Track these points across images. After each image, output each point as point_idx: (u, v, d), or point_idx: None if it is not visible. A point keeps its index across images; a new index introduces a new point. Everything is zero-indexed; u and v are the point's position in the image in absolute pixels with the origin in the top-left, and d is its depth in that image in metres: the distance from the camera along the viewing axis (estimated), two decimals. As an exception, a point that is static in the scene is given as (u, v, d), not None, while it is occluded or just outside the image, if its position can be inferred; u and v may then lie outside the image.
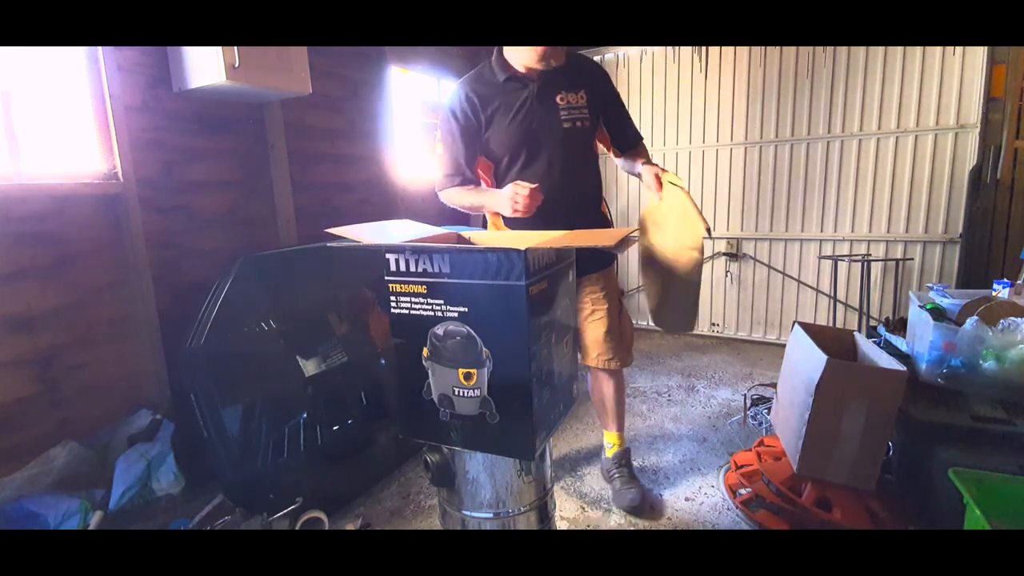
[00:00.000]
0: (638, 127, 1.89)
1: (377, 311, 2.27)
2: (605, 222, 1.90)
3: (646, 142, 1.90)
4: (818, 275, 3.64)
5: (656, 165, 1.68)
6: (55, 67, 1.85)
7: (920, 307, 2.02)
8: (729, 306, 3.97)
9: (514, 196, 1.54)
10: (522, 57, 1.64)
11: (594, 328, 1.89)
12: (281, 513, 1.66)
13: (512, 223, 1.72)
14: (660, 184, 1.60)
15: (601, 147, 1.88)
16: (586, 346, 1.92)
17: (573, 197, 1.74)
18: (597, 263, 1.86)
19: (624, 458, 2.05)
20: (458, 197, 1.75)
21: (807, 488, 1.75)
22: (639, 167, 1.73)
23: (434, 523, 1.87)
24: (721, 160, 3.80)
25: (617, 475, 2.00)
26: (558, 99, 1.69)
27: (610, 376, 1.96)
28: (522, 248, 1.01)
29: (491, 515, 1.25)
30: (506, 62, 1.68)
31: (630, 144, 1.85)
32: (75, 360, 1.88)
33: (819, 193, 3.54)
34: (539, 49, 1.59)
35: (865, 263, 3.32)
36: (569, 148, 1.72)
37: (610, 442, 2.08)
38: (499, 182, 1.76)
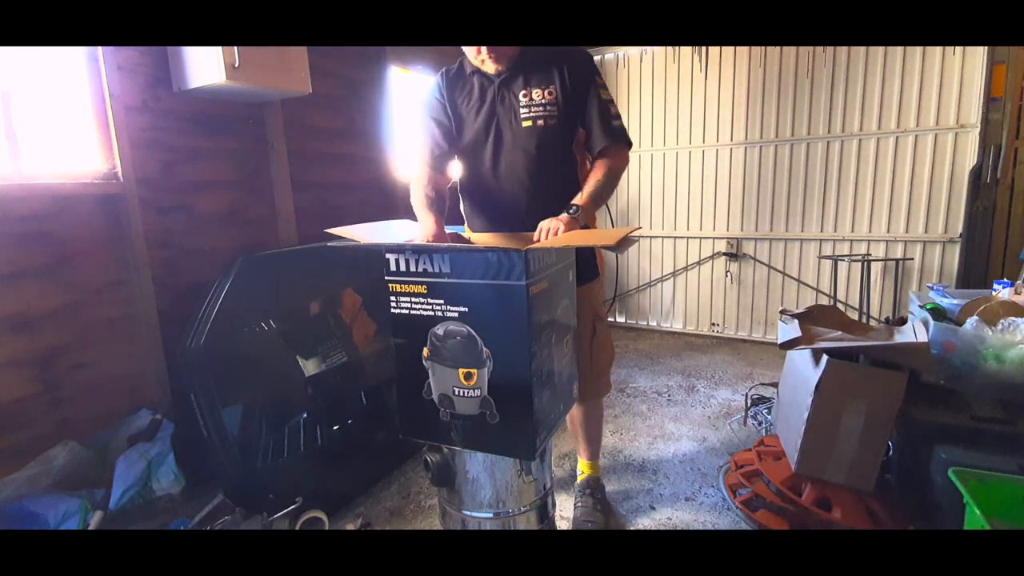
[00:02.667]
0: (636, 128, 1.61)
1: (363, 315, 2.23)
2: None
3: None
4: (818, 275, 3.64)
5: (566, 221, 1.34)
6: (55, 67, 1.85)
7: (920, 307, 2.03)
8: (729, 306, 3.97)
9: (423, 236, 1.41)
10: (470, 57, 1.53)
11: None
12: (281, 513, 1.66)
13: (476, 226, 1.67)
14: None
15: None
16: None
17: (529, 201, 1.57)
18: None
19: (589, 486, 1.87)
20: (412, 189, 1.58)
21: (807, 488, 1.75)
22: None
23: (434, 523, 1.87)
24: (721, 160, 3.79)
25: (580, 504, 1.84)
26: (521, 95, 1.53)
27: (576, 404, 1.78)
28: (522, 248, 1.01)
29: (491, 515, 1.25)
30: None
31: (593, 149, 1.57)
32: (75, 360, 1.88)
33: (819, 193, 3.54)
34: (474, 49, 1.49)
35: (865, 263, 3.32)
36: (528, 148, 1.55)
37: (580, 468, 1.97)
38: (464, 171, 1.68)
